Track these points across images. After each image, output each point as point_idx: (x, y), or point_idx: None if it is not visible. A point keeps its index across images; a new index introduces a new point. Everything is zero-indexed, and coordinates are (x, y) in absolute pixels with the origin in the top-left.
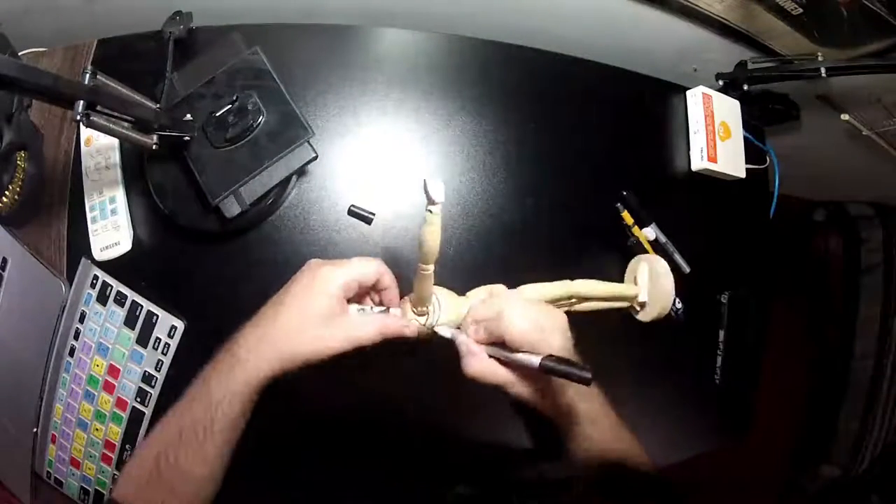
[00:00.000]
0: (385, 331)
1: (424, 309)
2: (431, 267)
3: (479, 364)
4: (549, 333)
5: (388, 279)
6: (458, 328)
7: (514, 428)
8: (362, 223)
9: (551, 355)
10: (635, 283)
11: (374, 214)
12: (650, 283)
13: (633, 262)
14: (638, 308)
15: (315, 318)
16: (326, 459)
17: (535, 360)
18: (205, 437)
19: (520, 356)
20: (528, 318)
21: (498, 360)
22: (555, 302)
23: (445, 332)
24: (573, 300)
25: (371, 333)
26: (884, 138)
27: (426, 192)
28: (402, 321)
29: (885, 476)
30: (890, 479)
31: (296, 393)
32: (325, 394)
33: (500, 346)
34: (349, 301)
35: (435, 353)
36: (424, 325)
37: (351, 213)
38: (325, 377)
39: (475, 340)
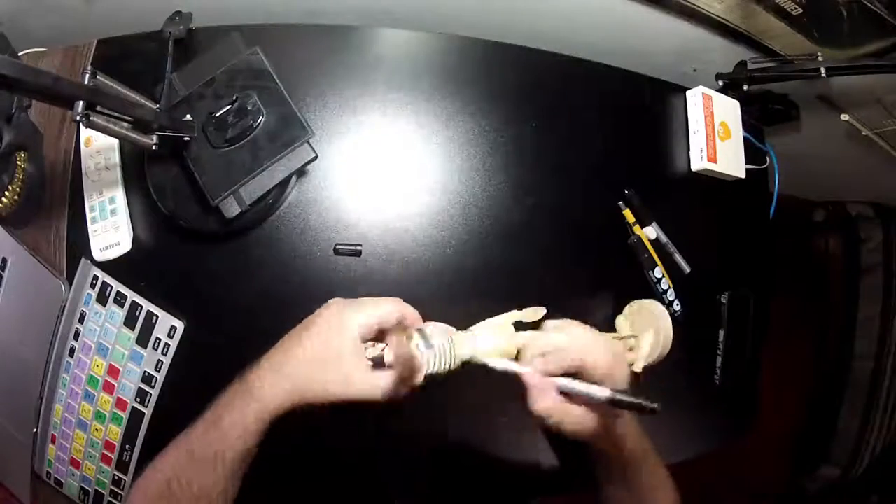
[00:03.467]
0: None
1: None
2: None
3: (550, 400)
4: (622, 364)
5: (410, 316)
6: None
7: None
8: (361, 225)
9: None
10: (631, 329)
11: (360, 246)
12: (653, 339)
13: (632, 309)
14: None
15: (331, 362)
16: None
17: (604, 393)
18: (217, 463)
19: (588, 388)
20: (609, 349)
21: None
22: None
23: (500, 364)
24: None
25: (383, 393)
26: (884, 138)
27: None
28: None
29: (885, 476)
30: (890, 479)
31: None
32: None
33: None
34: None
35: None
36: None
37: (337, 251)
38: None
39: (543, 373)
